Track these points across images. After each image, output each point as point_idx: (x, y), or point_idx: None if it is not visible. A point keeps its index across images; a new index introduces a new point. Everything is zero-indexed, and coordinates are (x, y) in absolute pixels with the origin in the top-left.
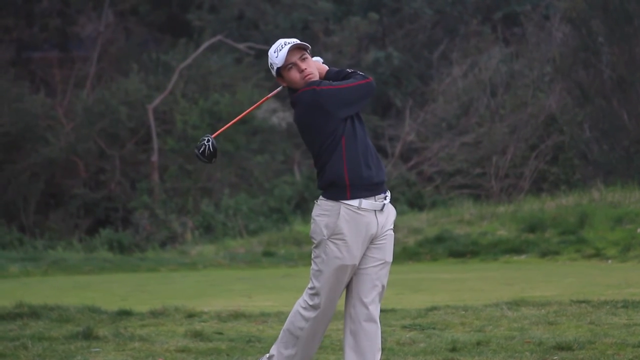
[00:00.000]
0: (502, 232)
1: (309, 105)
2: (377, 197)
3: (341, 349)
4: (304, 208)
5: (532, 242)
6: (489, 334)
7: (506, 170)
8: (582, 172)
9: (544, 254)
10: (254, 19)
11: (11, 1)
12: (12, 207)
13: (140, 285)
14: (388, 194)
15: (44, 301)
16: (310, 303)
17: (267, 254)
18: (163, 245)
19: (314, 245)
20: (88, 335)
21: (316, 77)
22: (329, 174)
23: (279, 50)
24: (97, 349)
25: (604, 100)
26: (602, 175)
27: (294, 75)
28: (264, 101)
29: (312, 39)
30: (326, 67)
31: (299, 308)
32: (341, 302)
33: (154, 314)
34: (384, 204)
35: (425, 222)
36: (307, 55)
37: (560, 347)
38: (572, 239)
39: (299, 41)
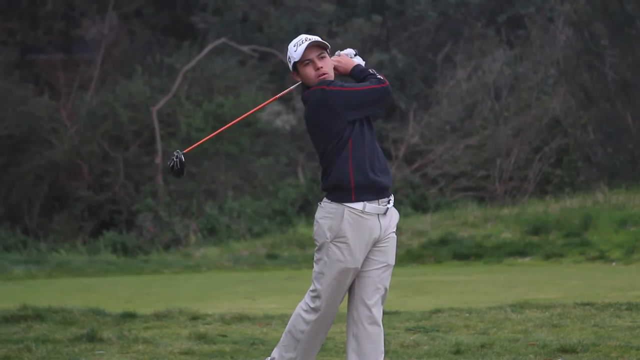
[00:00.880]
0: (506, 235)
1: (317, 104)
2: (380, 200)
3: (344, 351)
4: (307, 210)
5: (536, 244)
6: (493, 336)
7: (510, 172)
8: (586, 174)
9: (548, 257)
10: (257, 21)
11: (16, 4)
12: (17, 210)
13: (144, 288)
14: (392, 197)
15: (48, 304)
16: (312, 306)
17: (271, 256)
18: (167, 247)
19: (317, 247)
20: (92, 338)
21: (330, 78)
22: (334, 175)
23: (298, 45)
24: (101, 352)
25: (607, 103)
26: (606, 178)
27: (310, 71)
28: (268, 103)
29: None
30: (355, 62)
31: (301, 311)
32: (343, 305)
33: (158, 316)
34: (387, 208)
35: (429, 224)
36: (326, 55)
37: (564, 350)
38: (576, 241)
39: (320, 39)
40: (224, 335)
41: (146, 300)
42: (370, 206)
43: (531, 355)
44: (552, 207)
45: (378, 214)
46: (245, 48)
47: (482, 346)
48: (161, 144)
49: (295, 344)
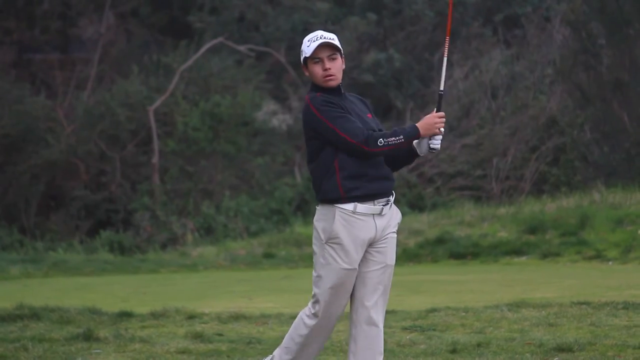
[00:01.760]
0: (503, 234)
1: (302, 113)
2: (376, 201)
3: (341, 350)
4: (304, 210)
5: (532, 243)
6: (490, 335)
7: (507, 172)
8: (582, 173)
9: (544, 256)
10: (254, 20)
11: (12, 3)
12: (13, 209)
13: (141, 287)
14: (391, 197)
15: (45, 303)
16: (312, 311)
17: (268, 255)
18: (164, 246)
19: (314, 250)
20: (89, 337)
21: (337, 81)
22: (323, 183)
23: (312, 41)
24: (98, 351)
25: (604, 102)
26: (602, 177)
27: (318, 70)
28: None
29: None
30: (425, 139)
31: (303, 315)
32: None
33: (154, 315)
34: (383, 208)
35: (426, 223)
36: (338, 57)
37: (561, 349)
38: (573, 240)
39: (335, 41)
40: (221, 334)
41: (143, 300)
42: (363, 207)
43: (527, 354)
44: (549, 207)
45: (373, 214)
46: (242, 47)
47: (479, 345)
48: (158, 144)
49: (294, 347)
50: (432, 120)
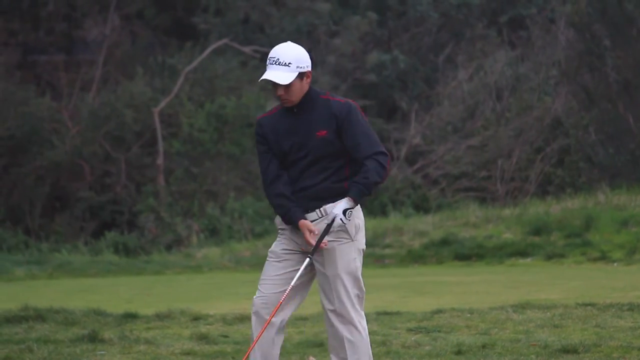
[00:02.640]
0: (508, 235)
1: None
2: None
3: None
4: None
5: (537, 245)
6: (495, 336)
7: (512, 173)
8: (587, 175)
9: (549, 257)
10: (259, 22)
11: (17, 5)
12: (18, 210)
13: (146, 288)
14: (324, 210)
15: (50, 304)
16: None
17: None
18: (168, 248)
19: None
20: (93, 338)
21: (293, 103)
22: None
23: (266, 64)
24: (103, 352)
25: (609, 103)
26: (607, 179)
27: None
28: None
29: (317, 42)
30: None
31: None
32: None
33: (159, 316)
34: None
35: (431, 225)
36: (295, 83)
37: (566, 350)
38: (578, 242)
39: (282, 75)
40: (226, 336)
41: (147, 301)
42: (278, 220)
43: (532, 356)
44: (554, 208)
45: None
46: (246, 49)
47: (484, 346)
48: (163, 145)
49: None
50: (305, 230)
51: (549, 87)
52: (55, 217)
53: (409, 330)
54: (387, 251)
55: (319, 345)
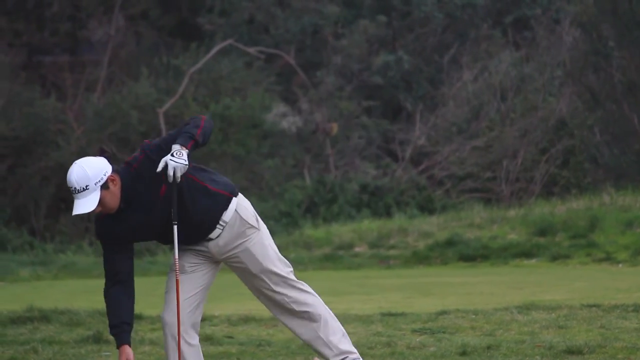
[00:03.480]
0: (513, 236)
1: None
2: None
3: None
4: (314, 212)
5: (542, 246)
6: (500, 337)
7: (517, 174)
8: (592, 175)
9: (554, 258)
10: (264, 23)
11: (22, 6)
12: (23, 211)
13: (151, 289)
14: (223, 224)
15: (55, 305)
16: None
17: None
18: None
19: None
20: (98, 339)
21: (112, 210)
22: None
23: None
24: (108, 353)
25: (614, 104)
26: (612, 179)
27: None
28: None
29: (321, 43)
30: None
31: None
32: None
33: None
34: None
35: (436, 225)
36: (104, 196)
37: (571, 351)
38: (583, 242)
39: (86, 205)
40: (230, 337)
41: (152, 302)
42: None
43: (537, 357)
44: (559, 209)
45: None
46: (251, 50)
47: (489, 347)
48: None
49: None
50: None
51: (553, 88)
52: (61, 218)
53: (414, 331)
54: (392, 252)
55: None
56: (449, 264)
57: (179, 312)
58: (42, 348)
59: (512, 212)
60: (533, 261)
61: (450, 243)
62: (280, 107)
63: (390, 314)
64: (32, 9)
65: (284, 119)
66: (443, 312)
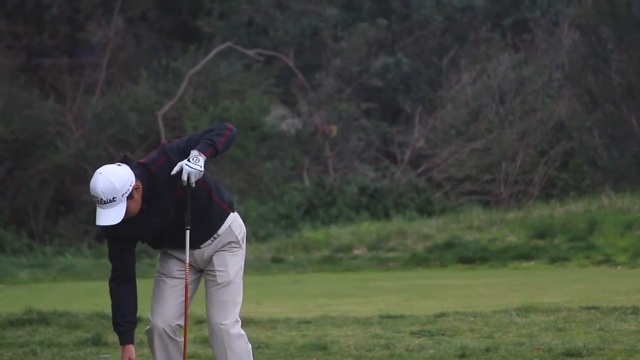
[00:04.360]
0: (512, 238)
1: None
2: None
3: (350, 355)
4: (313, 214)
5: (541, 248)
6: (498, 340)
7: (515, 176)
8: (591, 178)
9: (553, 260)
10: (263, 25)
11: (21, 8)
12: (22, 214)
13: (150, 292)
14: (216, 236)
15: (53, 307)
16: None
17: (276, 260)
18: None
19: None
20: (97, 342)
21: (134, 214)
22: None
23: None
24: (107, 355)
25: (613, 106)
26: (611, 182)
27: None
28: None
29: (321, 45)
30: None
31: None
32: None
33: None
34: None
35: (435, 228)
36: (129, 205)
37: (570, 354)
38: (582, 245)
39: (113, 216)
40: None
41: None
42: None
43: (536, 359)
44: (558, 211)
45: None
46: (250, 52)
47: (487, 350)
48: None
49: None
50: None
51: (552, 90)
52: (59, 221)
53: (413, 333)
54: (391, 254)
55: (323, 348)
56: (447, 267)
57: (186, 314)
58: (41, 350)
59: (511, 215)
60: (532, 263)
61: (449, 245)
62: (279, 110)
63: (389, 316)
64: (32, 11)
65: (283, 121)
66: (442, 315)
